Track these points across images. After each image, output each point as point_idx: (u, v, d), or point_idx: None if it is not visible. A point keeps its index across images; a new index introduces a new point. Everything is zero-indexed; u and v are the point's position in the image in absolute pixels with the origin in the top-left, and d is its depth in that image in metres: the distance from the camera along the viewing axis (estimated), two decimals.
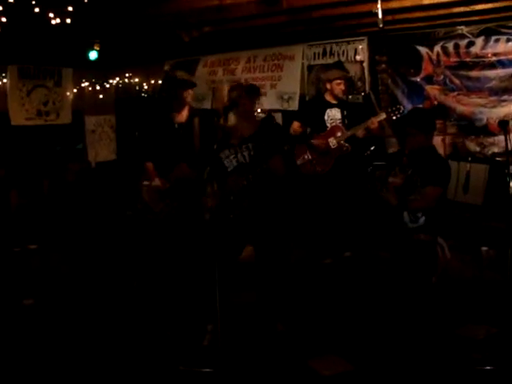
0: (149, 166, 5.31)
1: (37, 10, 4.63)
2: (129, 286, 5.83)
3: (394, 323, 4.45)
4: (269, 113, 6.40)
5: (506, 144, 4.24)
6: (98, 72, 10.70)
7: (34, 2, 4.57)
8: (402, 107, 6.13)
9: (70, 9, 4.66)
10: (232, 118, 4.71)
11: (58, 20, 4.81)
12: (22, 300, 5.62)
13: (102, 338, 4.77)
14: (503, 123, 4.52)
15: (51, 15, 4.79)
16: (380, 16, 5.15)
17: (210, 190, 4.31)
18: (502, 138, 7.69)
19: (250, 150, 4.43)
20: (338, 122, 6.29)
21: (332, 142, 6.21)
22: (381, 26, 5.21)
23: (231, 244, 4.42)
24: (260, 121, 4.71)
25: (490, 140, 7.61)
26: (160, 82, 10.42)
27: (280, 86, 9.02)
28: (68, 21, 4.82)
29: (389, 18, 6.10)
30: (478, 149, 7.65)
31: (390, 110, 6.15)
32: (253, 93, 4.66)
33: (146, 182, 5.30)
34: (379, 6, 5.09)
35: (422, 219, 4.35)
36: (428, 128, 4.58)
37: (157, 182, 5.21)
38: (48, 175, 9.67)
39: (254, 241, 4.58)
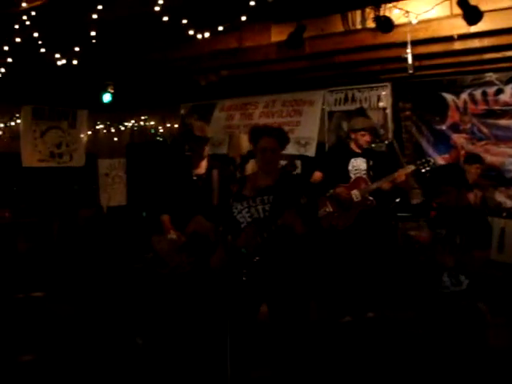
0: (165, 219, 5.02)
1: (43, 50, 4.40)
2: (134, 344, 5.39)
3: None
4: (290, 160, 5.89)
5: None
6: (113, 114, 10.51)
7: (40, 43, 4.33)
8: (432, 159, 5.72)
9: (77, 49, 4.41)
10: (250, 167, 4.28)
11: (63, 61, 4.58)
12: (18, 356, 5.11)
13: None
14: None
15: (57, 56, 4.56)
16: (410, 61, 4.85)
17: (219, 251, 3.89)
18: None
19: (264, 203, 3.90)
20: (363, 173, 5.86)
21: (356, 194, 5.78)
22: (410, 71, 4.90)
23: (244, 305, 3.97)
24: (279, 171, 4.07)
25: None
26: (176, 125, 10.24)
27: (298, 131, 8.70)
28: (75, 62, 4.59)
29: (416, 63, 5.79)
30: (508, 201, 7.28)
31: (418, 162, 5.72)
32: (279, 137, 3.97)
33: (160, 235, 4.98)
34: (409, 50, 4.78)
35: (466, 282, 3.98)
36: (463, 184, 4.28)
37: (172, 235, 4.89)
38: (59, 217, 9.40)
39: (268, 300, 4.07)
